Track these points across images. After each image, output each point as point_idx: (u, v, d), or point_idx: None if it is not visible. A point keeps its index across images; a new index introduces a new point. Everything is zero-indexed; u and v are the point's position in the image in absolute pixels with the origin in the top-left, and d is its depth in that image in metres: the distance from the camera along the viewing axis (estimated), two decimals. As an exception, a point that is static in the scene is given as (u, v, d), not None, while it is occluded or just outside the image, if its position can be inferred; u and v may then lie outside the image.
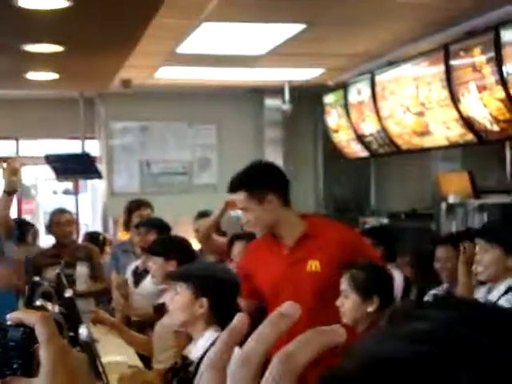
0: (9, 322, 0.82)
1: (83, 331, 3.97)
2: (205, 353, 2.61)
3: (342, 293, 2.95)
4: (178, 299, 2.70)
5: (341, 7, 5.13)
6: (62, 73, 5.98)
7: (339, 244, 3.03)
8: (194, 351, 2.67)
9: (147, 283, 4.74)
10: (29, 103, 8.61)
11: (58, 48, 4.86)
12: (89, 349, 3.92)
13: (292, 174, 9.09)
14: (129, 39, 4.79)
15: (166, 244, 4.02)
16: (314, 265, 3.04)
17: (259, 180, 3.15)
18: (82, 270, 5.68)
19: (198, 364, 2.61)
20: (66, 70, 5.87)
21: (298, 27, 5.60)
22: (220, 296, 2.68)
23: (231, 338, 0.57)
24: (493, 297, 3.32)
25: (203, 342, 2.65)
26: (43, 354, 0.81)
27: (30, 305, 4.82)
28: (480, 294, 3.65)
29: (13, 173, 4.73)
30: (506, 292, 3.28)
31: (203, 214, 5.89)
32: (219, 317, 2.67)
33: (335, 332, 0.53)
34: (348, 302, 2.92)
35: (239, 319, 0.58)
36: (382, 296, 2.90)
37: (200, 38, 5.83)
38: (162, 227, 5.15)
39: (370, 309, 2.88)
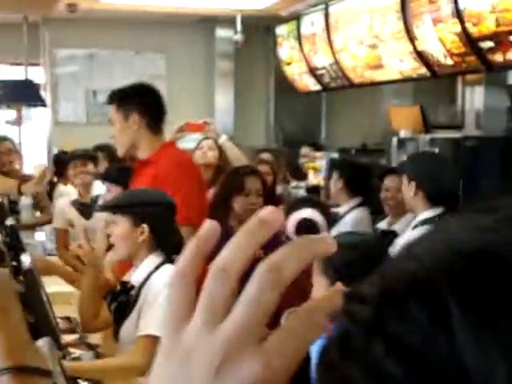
0: None
1: (26, 259, 3.86)
2: (147, 277, 2.56)
3: None
4: (118, 230, 2.63)
5: None
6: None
7: (155, 176, 3.06)
8: (135, 276, 2.62)
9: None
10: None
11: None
12: (32, 278, 3.82)
13: (242, 106, 8.98)
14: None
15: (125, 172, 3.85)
16: None
17: (130, 98, 3.21)
18: (26, 200, 5.52)
19: (140, 288, 2.56)
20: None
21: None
22: (159, 220, 2.63)
23: (200, 245, 0.49)
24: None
25: (145, 267, 2.61)
26: None
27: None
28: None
29: None
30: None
31: None
32: (161, 241, 2.63)
33: (325, 241, 0.48)
34: None
35: (209, 224, 0.50)
36: None
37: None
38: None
39: None
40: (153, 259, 2.62)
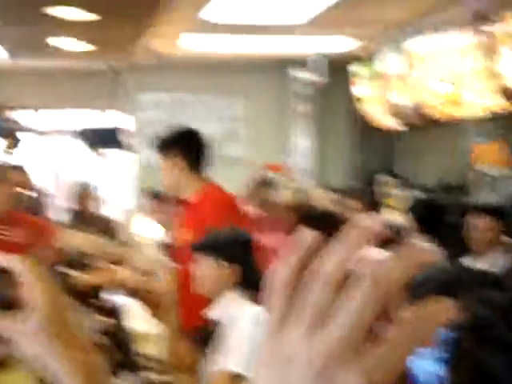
0: None
1: (113, 298, 3.95)
2: (229, 314, 2.57)
3: None
4: (202, 269, 2.66)
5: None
6: (90, 41, 5.93)
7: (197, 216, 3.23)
8: (216, 312, 2.63)
9: None
10: (58, 75, 8.60)
11: (86, 15, 4.80)
12: (118, 316, 3.90)
13: (321, 146, 8.99)
14: (151, 5, 4.71)
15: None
16: (186, 233, 3.26)
17: (171, 143, 3.46)
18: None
19: (221, 325, 2.56)
20: (93, 38, 5.82)
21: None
22: (242, 258, 2.67)
23: (301, 253, 0.49)
24: None
25: (227, 304, 2.62)
26: (32, 292, 0.74)
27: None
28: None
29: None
30: None
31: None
32: (243, 279, 2.64)
33: (428, 251, 0.48)
34: None
35: (309, 233, 0.50)
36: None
37: (229, 4, 5.72)
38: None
39: None
40: (235, 296, 2.64)
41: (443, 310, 0.46)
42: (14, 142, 4.70)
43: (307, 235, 0.50)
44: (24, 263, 0.75)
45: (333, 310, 0.46)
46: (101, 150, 8.46)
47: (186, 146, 3.45)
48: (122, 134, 8.25)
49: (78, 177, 6.02)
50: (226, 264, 2.65)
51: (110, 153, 8.97)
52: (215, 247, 2.69)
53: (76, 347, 0.79)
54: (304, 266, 0.49)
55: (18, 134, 4.80)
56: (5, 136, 4.76)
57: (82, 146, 8.02)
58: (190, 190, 3.40)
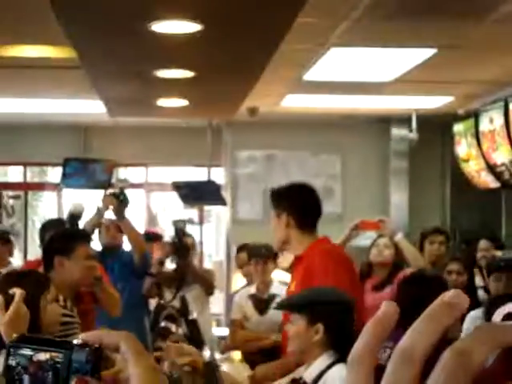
0: (77, 341, 0.74)
1: (206, 353, 3.97)
2: (320, 375, 2.54)
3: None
4: (294, 328, 2.65)
5: (475, 31, 4.96)
6: (191, 99, 6.10)
7: (305, 268, 3.21)
8: (307, 374, 2.60)
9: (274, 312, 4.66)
10: (159, 131, 8.88)
11: (188, 73, 4.95)
12: (211, 371, 3.91)
13: (418, 204, 8.87)
14: (257, 65, 4.82)
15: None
16: (295, 287, 3.27)
17: (281, 198, 3.44)
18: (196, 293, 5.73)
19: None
20: (195, 96, 5.98)
21: (428, 52, 5.47)
22: (335, 319, 2.60)
23: (379, 328, 0.48)
24: None
25: (318, 366, 2.59)
26: (132, 372, 0.74)
27: (155, 326, 4.89)
28: None
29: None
30: None
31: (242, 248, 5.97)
32: (335, 341, 2.59)
33: None
34: None
35: (388, 306, 0.49)
36: None
37: (327, 64, 5.80)
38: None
39: None
40: (326, 358, 2.59)
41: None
42: (123, 200, 4.83)
43: (387, 308, 0.49)
44: (127, 340, 0.72)
45: None
46: (195, 203, 8.60)
47: (293, 202, 3.42)
48: (216, 188, 8.38)
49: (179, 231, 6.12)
50: (316, 324, 2.60)
51: (204, 206, 9.12)
52: (306, 305, 2.64)
53: None
54: (383, 341, 0.48)
55: (128, 192, 4.93)
56: (113, 194, 4.89)
57: (177, 199, 8.17)
58: (300, 246, 3.36)
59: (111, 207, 4.80)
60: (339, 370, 2.51)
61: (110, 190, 5.12)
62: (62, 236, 3.81)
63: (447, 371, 0.44)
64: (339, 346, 2.58)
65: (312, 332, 2.61)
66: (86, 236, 3.99)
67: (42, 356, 0.73)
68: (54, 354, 0.73)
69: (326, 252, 3.31)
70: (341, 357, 2.57)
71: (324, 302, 2.65)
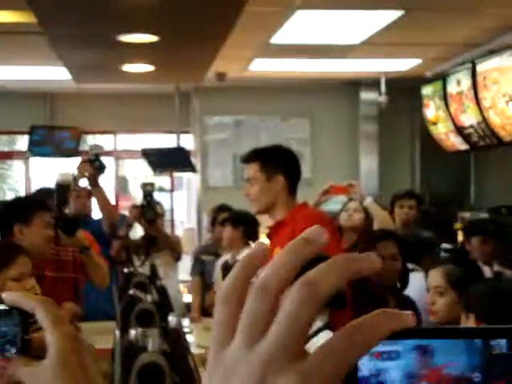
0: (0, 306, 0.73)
1: (172, 320, 3.95)
2: (307, 340, 2.47)
3: (433, 289, 2.77)
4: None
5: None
6: (157, 64, 6.02)
7: (291, 232, 3.03)
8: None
9: None
10: (126, 98, 8.77)
11: (152, 38, 4.88)
12: (177, 338, 3.90)
13: (387, 167, 8.90)
14: (223, 28, 4.75)
15: None
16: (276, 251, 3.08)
17: (276, 159, 3.24)
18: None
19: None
20: (160, 61, 5.90)
21: (395, 14, 5.43)
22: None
23: (248, 267, 0.49)
24: None
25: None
26: (49, 340, 0.73)
27: (124, 294, 4.87)
28: None
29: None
30: None
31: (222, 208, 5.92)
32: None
33: (368, 259, 0.46)
34: (443, 300, 2.75)
35: (258, 245, 0.50)
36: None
37: (294, 27, 5.74)
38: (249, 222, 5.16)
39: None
40: (316, 322, 2.45)
41: (385, 322, 0.45)
42: (99, 167, 4.74)
43: (257, 246, 0.49)
44: (44, 306, 0.72)
45: (271, 320, 0.45)
46: (165, 170, 8.53)
47: (290, 164, 3.28)
48: (186, 155, 8.32)
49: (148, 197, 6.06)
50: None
51: (174, 173, 9.06)
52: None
53: None
54: (250, 278, 0.49)
55: (102, 159, 4.83)
56: (89, 161, 4.79)
57: (148, 166, 8.10)
58: (286, 210, 3.22)
59: (86, 174, 4.72)
60: (325, 338, 2.38)
61: (85, 157, 5.03)
62: (21, 203, 3.74)
63: (291, 302, 0.44)
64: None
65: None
66: (45, 203, 3.93)
67: None
68: None
69: (312, 216, 3.21)
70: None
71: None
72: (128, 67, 6.08)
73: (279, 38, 6.12)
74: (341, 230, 5.08)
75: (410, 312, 0.46)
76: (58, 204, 4.07)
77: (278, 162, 3.26)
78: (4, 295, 0.73)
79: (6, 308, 0.72)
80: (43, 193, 5.25)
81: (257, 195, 3.26)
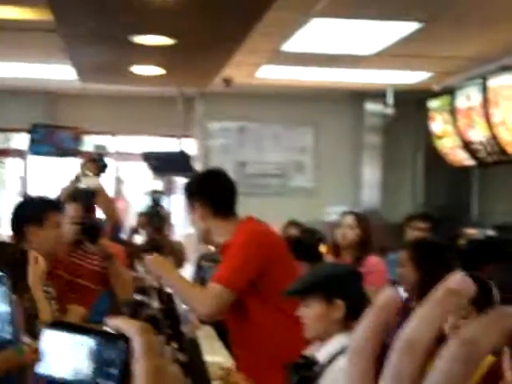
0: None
1: (187, 328, 3.86)
2: (333, 357, 2.42)
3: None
4: (311, 312, 2.48)
5: (458, 6, 4.87)
6: (168, 68, 5.93)
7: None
8: (321, 352, 2.47)
9: None
10: (128, 100, 8.68)
11: (168, 41, 4.79)
12: (194, 347, 3.81)
13: (390, 180, 8.84)
14: (240, 32, 4.68)
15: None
16: None
17: (192, 191, 3.21)
18: None
19: (324, 367, 2.41)
20: (172, 64, 5.82)
21: (412, 26, 5.36)
22: (352, 290, 2.47)
23: (381, 318, 0.46)
24: None
25: (332, 346, 2.45)
26: (138, 369, 0.67)
27: (129, 300, 4.77)
28: None
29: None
30: None
31: (293, 223, 5.74)
32: (358, 314, 2.45)
33: None
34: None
35: (389, 293, 0.47)
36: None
37: (307, 35, 5.67)
38: None
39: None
40: (341, 339, 2.43)
41: None
42: (101, 167, 4.66)
43: (388, 295, 0.47)
44: (141, 334, 0.67)
45: (419, 378, 0.44)
46: (166, 174, 8.44)
47: (204, 193, 3.16)
48: (188, 159, 8.23)
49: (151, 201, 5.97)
50: (335, 300, 2.43)
51: (175, 177, 8.97)
52: (320, 283, 2.44)
53: None
54: (384, 329, 0.46)
55: (105, 159, 4.75)
56: (91, 160, 4.72)
57: (148, 170, 8.01)
58: (226, 233, 3.11)
59: (90, 174, 4.64)
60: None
61: (88, 156, 4.94)
62: (34, 204, 3.67)
63: (448, 360, 0.42)
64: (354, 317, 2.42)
65: (332, 310, 2.46)
66: (57, 204, 3.85)
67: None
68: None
69: (248, 230, 3.11)
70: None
71: (337, 276, 2.49)
72: (137, 69, 5.98)
73: (290, 45, 6.05)
74: (338, 247, 4.92)
75: None
76: (85, 209, 4.01)
77: (194, 193, 3.20)
78: (108, 320, 0.68)
79: (114, 333, 0.67)
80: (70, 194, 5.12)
81: (194, 227, 3.32)
